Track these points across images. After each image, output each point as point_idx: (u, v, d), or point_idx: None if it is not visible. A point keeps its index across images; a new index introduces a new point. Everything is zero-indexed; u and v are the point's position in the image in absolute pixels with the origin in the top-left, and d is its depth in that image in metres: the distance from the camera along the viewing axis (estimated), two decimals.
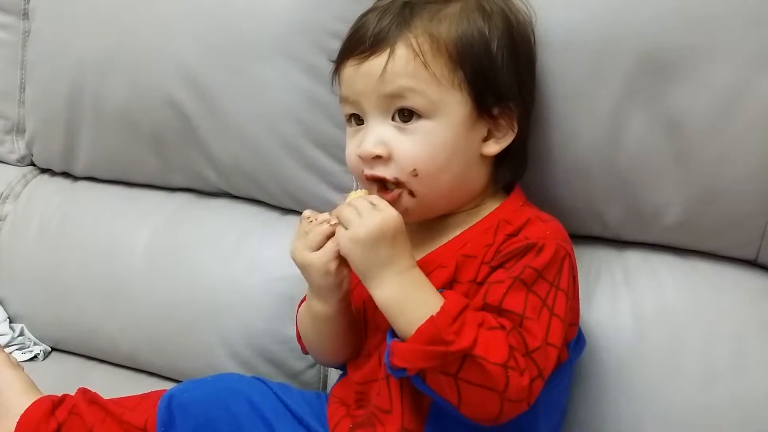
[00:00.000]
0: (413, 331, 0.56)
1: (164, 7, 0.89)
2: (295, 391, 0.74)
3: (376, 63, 0.62)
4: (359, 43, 0.64)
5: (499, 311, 0.58)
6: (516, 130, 0.66)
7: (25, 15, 1.04)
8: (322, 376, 0.86)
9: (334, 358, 0.75)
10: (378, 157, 0.63)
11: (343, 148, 0.81)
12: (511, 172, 0.69)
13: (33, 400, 0.74)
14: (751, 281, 0.73)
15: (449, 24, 0.63)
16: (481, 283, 0.61)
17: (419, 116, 0.63)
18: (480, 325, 0.56)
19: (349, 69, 0.65)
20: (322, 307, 0.67)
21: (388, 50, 0.62)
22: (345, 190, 0.86)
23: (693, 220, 0.72)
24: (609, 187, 0.73)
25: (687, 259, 0.75)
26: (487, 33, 0.63)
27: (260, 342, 0.85)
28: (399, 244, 0.60)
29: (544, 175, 0.73)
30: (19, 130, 1.07)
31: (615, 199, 0.74)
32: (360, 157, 0.64)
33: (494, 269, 0.61)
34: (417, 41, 0.62)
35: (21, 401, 0.74)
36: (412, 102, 0.62)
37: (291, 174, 0.87)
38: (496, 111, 0.64)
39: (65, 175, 1.05)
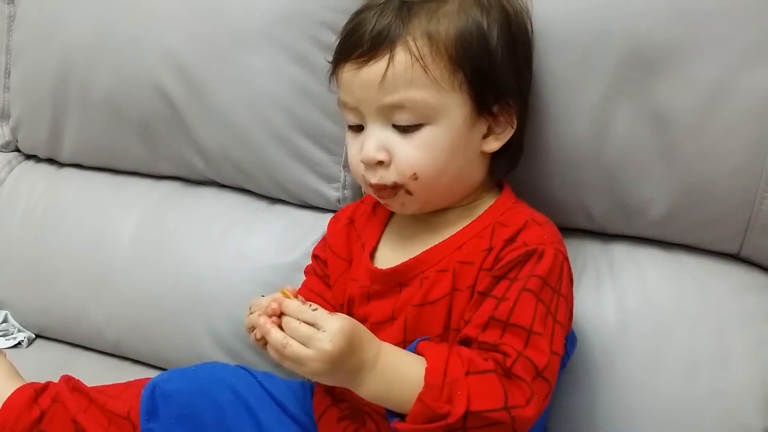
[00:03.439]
0: (407, 411, 0.55)
1: None
2: (280, 379, 0.74)
3: (375, 69, 0.60)
4: (357, 46, 0.61)
5: (505, 326, 0.58)
6: (515, 126, 0.65)
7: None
8: None
9: None
10: (380, 162, 0.62)
11: (331, 138, 0.84)
12: (509, 164, 0.68)
13: (15, 388, 0.73)
14: (734, 275, 0.73)
15: (448, 22, 0.61)
16: (483, 294, 0.60)
17: (420, 124, 0.62)
18: (467, 374, 0.55)
19: (348, 73, 0.63)
20: None
21: (387, 56, 0.60)
22: (333, 180, 0.85)
23: (677, 214, 0.72)
24: (595, 181, 0.73)
25: (671, 253, 0.75)
26: (486, 28, 0.62)
27: (245, 331, 0.81)
28: (359, 345, 0.56)
29: (531, 168, 0.73)
30: (3, 115, 1.04)
31: (601, 192, 0.74)
32: (363, 161, 0.63)
33: (497, 279, 0.60)
34: (416, 44, 0.60)
35: (3, 388, 0.73)
36: (411, 113, 0.61)
37: (279, 163, 0.86)
38: (495, 108, 0.63)
39: (50, 161, 1.04)
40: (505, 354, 0.56)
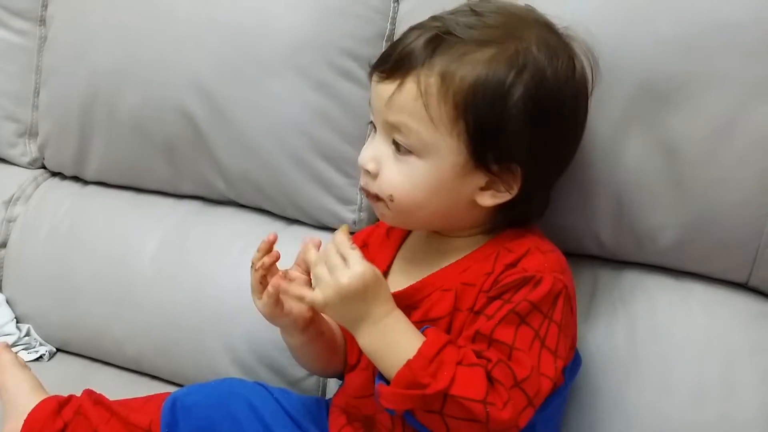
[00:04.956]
0: (394, 375, 0.58)
1: (178, 22, 0.91)
2: (295, 396, 0.77)
3: (386, 88, 0.63)
4: (384, 60, 0.64)
5: (490, 341, 0.59)
6: (514, 192, 0.64)
7: (42, 22, 1.06)
8: (321, 384, 0.88)
9: (322, 372, 0.80)
10: (368, 171, 0.66)
11: (348, 162, 0.87)
12: (515, 219, 0.67)
13: (40, 400, 0.76)
14: (742, 303, 0.75)
15: (469, 71, 0.60)
16: (478, 312, 0.62)
17: (410, 152, 0.63)
18: (459, 363, 0.57)
19: (373, 82, 0.66)
20: (290, 339, 0.72)
21: (398, 81, 0.62)
22: (350, 202, 0.89)
23: (687, 243, 0.74)
24: (606, 208, 0.75)
25: (681, 281, 0.77)
26: (506, 87, 0.60)
27: (262, 349, 0.87)
28: (374, 297, 0.60)
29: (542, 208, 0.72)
30: (31, 133, 1.09)
31: (612, 219, 0.75)
32: (359, 164, 0.67)
33: (491, 300, 0.62)
34: (426, 81, 0.61)
35: (28, 400, 0.76)
36: (406, 138, 0.63)
37: (298, 185, 0.89)
38: (495, 168, 0.63)
39: (76, 179, 1.07)
40: (488, 359, 0.58)
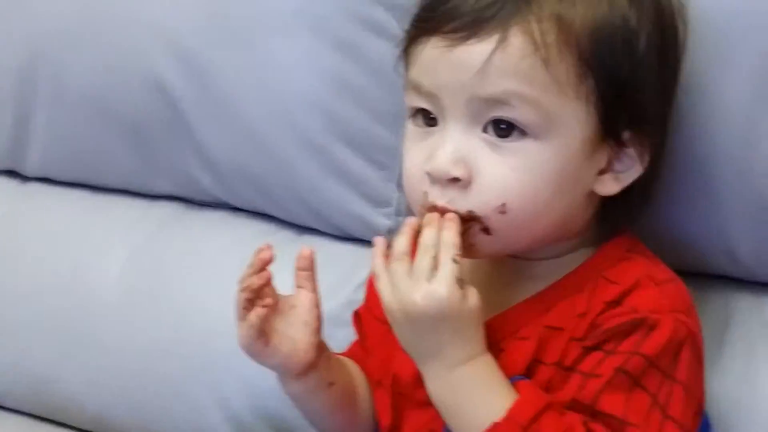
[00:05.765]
0: None
1: None
2: None
3: (476, 50, 0.55)
4: (452, 17, 0.56)
5: (593, 413, 0.55)
6: (646, 165, 0.60)
7: None
8: None
9: None
10: (455, 179, 0.57)
11: (380, 148, 0.81)
12: (626, 217, 0.63)
13: None
14: None
15: (585, 8, 0.56)
16: (570, 369, 0.57)
17: (524, 133, 0.56)
18: None
19: (433, 50, 0.57)
20: (284, 387, 0.68)
21: (497, 36, 0.55)
22: (384, 204, 0.83)
23: None
24: (742, 211, 0.67)
25: None
26: (634, 25, 0.57)
27: (265, 403, 0.82)
28: (452, 333, 0.56)
29: (655, 197, 0.67)
30: None
31: (750, 226, 0.68)
32: (430, 174, 0.57)
33: (588, 351, 0.57)
34: (540, 27, 0.55)
35: None
36: (518, 114, 0.56)
37: (312, 181, 0.83)
38: (626, 136, 0.59)
39: (12, 174, 1.03)
40: None
